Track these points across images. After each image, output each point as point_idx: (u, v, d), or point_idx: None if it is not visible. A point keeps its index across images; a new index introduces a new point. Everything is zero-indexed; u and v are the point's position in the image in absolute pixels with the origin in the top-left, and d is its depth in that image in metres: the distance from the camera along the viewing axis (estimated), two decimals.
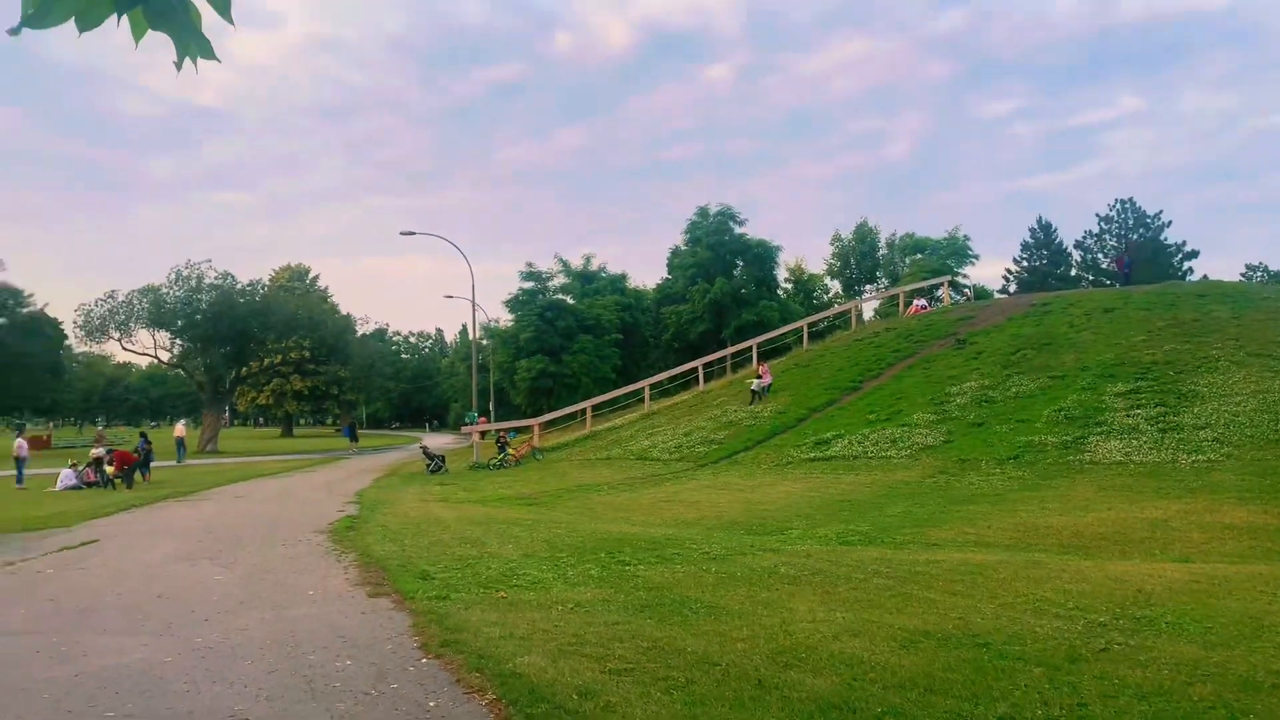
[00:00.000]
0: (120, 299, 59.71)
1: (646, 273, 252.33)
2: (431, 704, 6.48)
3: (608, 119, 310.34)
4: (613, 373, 62.34)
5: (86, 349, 71.19)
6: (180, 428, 49.17)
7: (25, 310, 58.14)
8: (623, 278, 71.52)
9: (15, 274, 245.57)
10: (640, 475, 28.39)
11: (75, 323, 60.70)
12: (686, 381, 46.31)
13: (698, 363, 45.85)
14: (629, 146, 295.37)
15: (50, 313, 64.67)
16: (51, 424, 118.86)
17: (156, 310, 59.04)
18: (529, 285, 66.10)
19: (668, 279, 73.23)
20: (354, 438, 64.19)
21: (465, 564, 12.38)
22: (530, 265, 66.49)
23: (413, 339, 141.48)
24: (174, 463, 42.23)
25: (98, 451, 29.21)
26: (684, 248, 68.64)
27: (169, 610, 9.90)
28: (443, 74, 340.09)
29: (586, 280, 69.39)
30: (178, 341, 62.02)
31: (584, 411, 43.51)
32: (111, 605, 10.27)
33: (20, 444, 29.42)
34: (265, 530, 17.29)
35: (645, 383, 45.43)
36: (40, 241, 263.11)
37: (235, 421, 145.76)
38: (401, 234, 44.37)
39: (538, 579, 11.08)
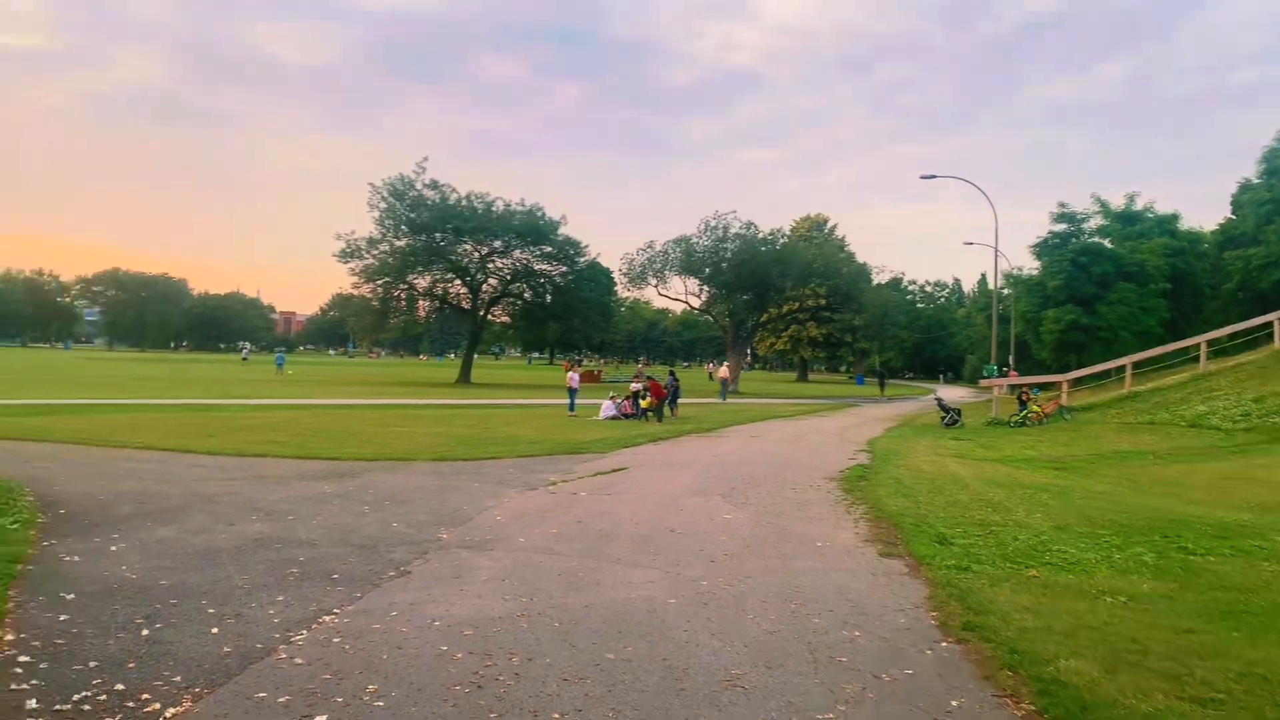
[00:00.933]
0: (657, 249, 65.34)
1: (1202, 214, 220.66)
2: (954, 703, 5.36)
3: (1158, 45, 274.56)
4: (1158, 326, 54.89)
5: (629, 294, 79.29)
6: (724, 369, 52.76)
7: (583, 260, 65.92)
8: (1173, 218, 62.21)
9: (575, 228, 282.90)
10: (1195, 445, 24.23)
11: (620, 271, 67.70)
12: (1255, 339, 39.06)
13: (1271, 316, 38.33)
14: (1183, 74, 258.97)
15: (602, 262, 72.96)
16: (603, 360, 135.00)
17: (687, 259, 63.64)
18: (1060, 228, 60.42)
19: (1232, 219, 62.46)
20: (882, 386, 64.22)
21: (987, 530, 10.93)
22: (1062, 205, 60.77)
23: (928, 288, 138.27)
24: (718, 400, 45.76)
25: (636, 386, 31.82)
26: (1257, 180, 57.82)
27: (678, 546, 9.83)
28: (970, 12, 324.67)
29: (1128, 221, 61.71)
30: (705, 288, 66.36)
31: (1122, 369, 38.60)
32: (628, 534, 10.49)
33: (572, 376, 33.16)
34: (776, 472, 17.19)
35: (1201, 338, 39.01)
36: (596, 199, 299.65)
37: (755, 365, 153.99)
38: (922, 178, 42.55)
39: (1076, 559, 9.34)
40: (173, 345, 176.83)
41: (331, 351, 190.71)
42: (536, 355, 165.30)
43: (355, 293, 62.97)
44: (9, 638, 5.85)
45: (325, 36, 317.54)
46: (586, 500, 13.08)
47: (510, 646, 6.19)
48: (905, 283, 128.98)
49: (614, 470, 16.55)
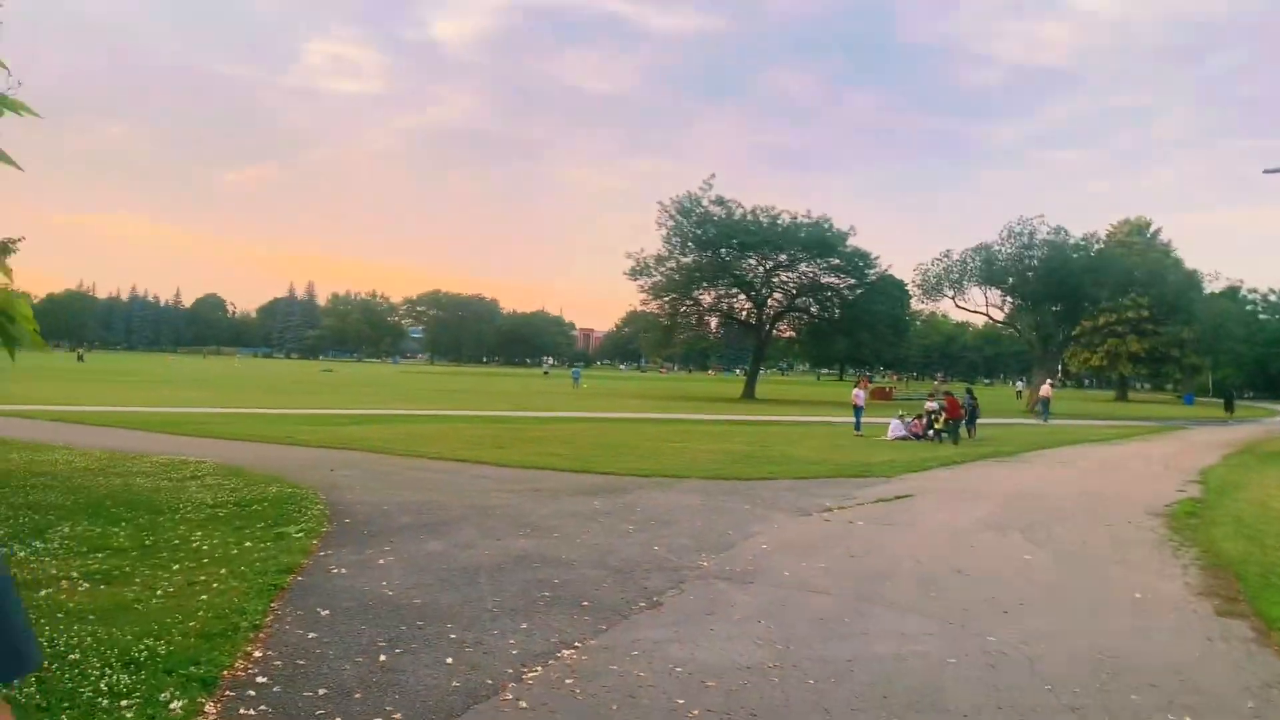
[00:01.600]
0: (954, 258, 61.93)
1: None
2: None
3: None
4: None
5: (924, 307, 75.85)
6: (1045, 387, 48.47)
7: (873, 272, 63.80)
8: None
9: (867, 240, 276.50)
10: None
11: (914, 282, 64.83)
12: None
13: None
14: None
15: (895, 275, 70.28)
16: (897, 376, 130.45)
17: (987, 268, 59.80)
18: None
19: None
20: (1229, 405, 57.40)
21: None
22: None
23: (1272, 297, 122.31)
24: (1038, 421, 42.78)
25: (931, 405, 29.97)
26: None
27: (965, 591, 8.65)
28: None
29: None
30: (1008, 299, 62.11)
31: None
32: (907, 573, 9.41)
33: (858, 393, 31.74)
34: (1087, 505, 15.24)
35: None
36: (890, 210, 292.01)
37: (1066, 383, 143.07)
38: (1265, 172, 37.29)
39: None
40: (485, 360, 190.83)
41: (622, 366, 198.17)
42: (826, 371, 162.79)
43: (644, 309, 64.58)
44: (256, 654, 5.87)
45: (622, 64, 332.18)
46: (863, 531, 12.05)
47: (754, 707, 5.44)
48: (1244, 291, 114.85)
49: (897, 497, 15.32)
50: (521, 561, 9.21)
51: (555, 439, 24.56)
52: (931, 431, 28.66)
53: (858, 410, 31.07)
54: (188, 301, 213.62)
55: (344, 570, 8.50)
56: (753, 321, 65.86)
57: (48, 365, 79.55)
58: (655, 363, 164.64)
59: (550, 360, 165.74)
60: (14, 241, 14.62)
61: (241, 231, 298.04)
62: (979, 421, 31.06)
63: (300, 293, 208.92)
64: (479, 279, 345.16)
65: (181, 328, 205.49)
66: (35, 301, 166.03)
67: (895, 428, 28.54)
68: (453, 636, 6.50)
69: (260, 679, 5.47)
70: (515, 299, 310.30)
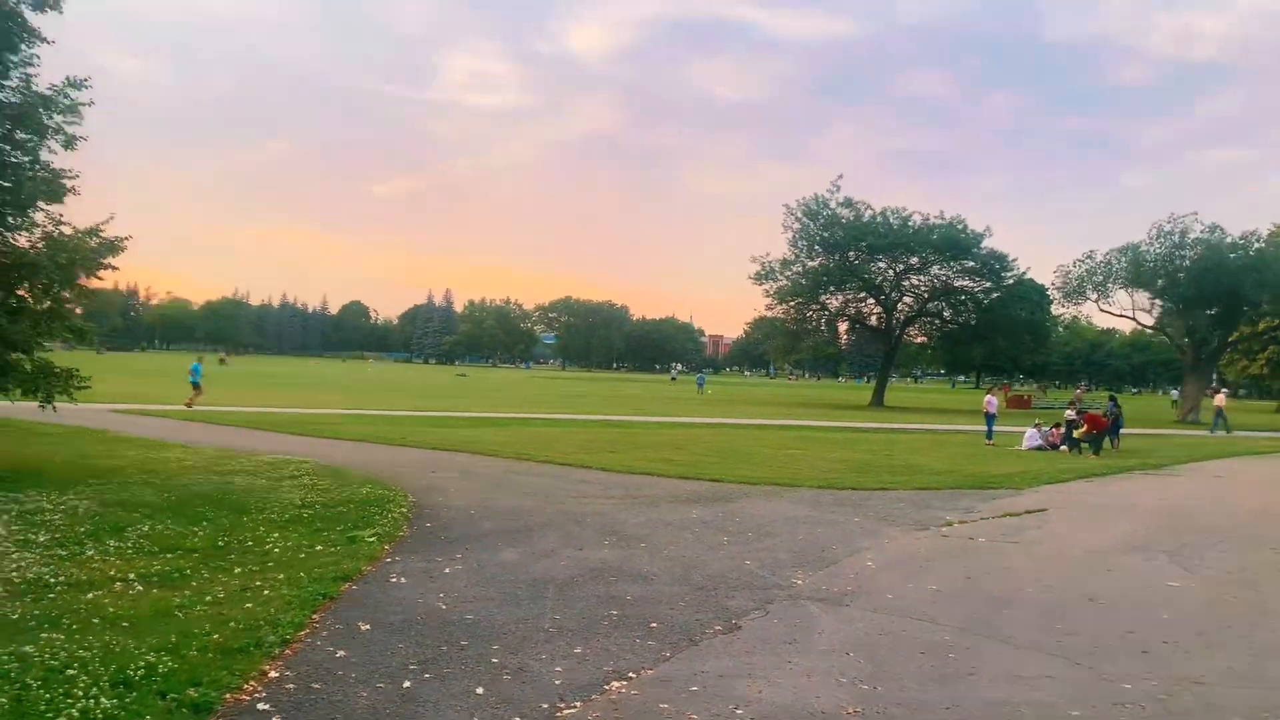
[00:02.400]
0: (1098, 259, 58.23)
1: None
2: None
3: None
4: None
5: (1065, 311, 71.80)
6: (1220, 396, 44.94)
7: (1010, 275, 60.78)
8: None
9: (1005, 242, 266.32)
10: None
11: (1054, 285, 61.32)
12: None
13: None
14: None
15: (1035, 278, 66.81)
16: (1038, 384, 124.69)
17: (1135, 269, 55.93)
18: None
19: None
20: None
21: None
22: None
23: None
24: (1209, 433, 39.41)
25: (1070, 414, 28.01)
26: None
27: (1098, 625, 7.49)
28: None
29: None
30: (1157, 302, 58.08)
31: None
32: (1030, 600, 8.29)
33: (990, 400, 29.92)
34: (1246, 524, 13.59)
35: None
36: (1029, 212, 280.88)
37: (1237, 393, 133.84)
38: None
39: None
40: (615, 366, 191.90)
41: (747, 373, 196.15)
42: (962, 379, 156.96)
43: (769, 314, 63.29)
44: (272, 674, 5.33)
45: (753, 71, 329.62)
46: (984, 549, 10.89)
47: None
48: None
49: (1028, 512, 13.98)
50: (597, 574, 8.51)
51: (669, 444, 23.88)
52: (1071, 441, 26.68)
53: (989, 418, 29.30)
54: (334, 308, 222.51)
55: (404, 580, 7.98)
56: (882, 327, 63.72)
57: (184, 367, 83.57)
58: (784, 369, 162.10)
59: (680, 366, 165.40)
60: (121, 240, 14.87)
61: (386, 241, 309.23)
62: (1122, 431, 28.80)
63: (439, 300, 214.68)
64: (610, 286, 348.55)
65: (328, 333, 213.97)
66: (195, 308, 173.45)
67: (1031, 437, 26.72)
68: (494, 660, 5.84)
69: (262, 705, 4.91)
70: (645, 305, 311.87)
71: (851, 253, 59.45)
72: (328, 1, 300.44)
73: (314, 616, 6.62)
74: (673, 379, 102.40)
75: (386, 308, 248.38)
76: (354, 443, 21.42)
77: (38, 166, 14.48)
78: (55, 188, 14.53)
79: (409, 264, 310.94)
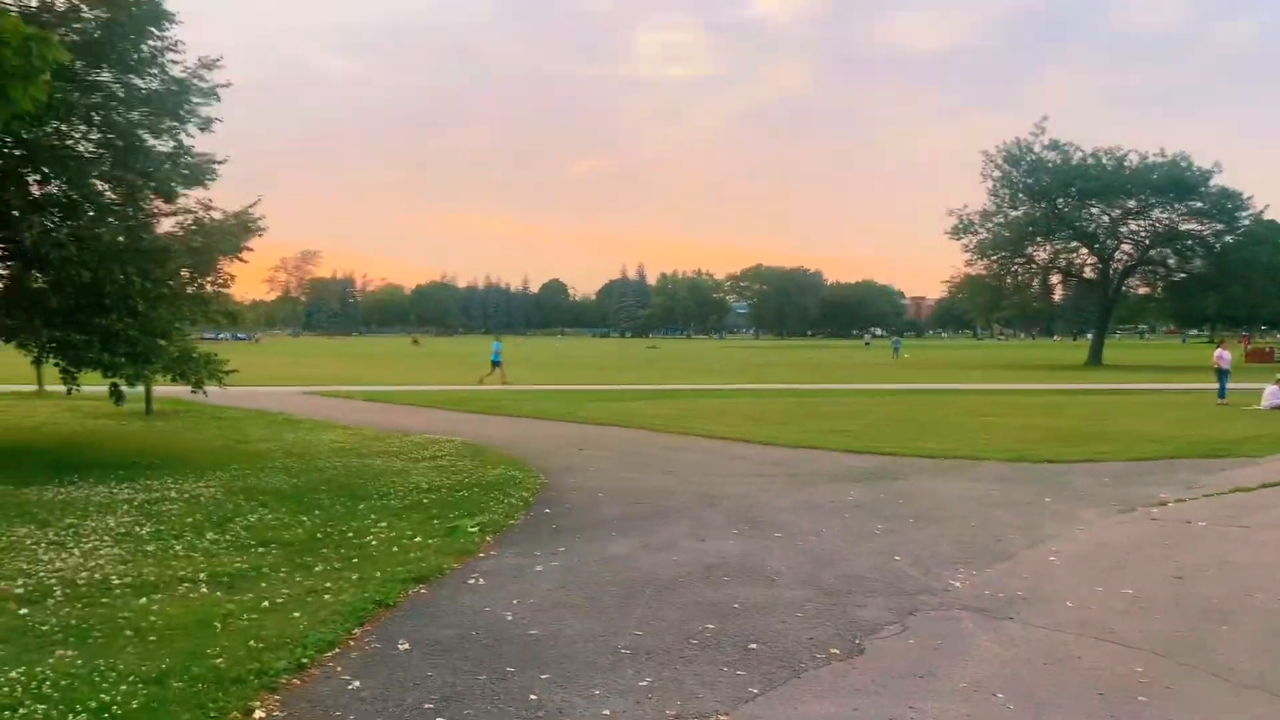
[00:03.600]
0: None
1: None
2: None
3: None
4: None
5: None
6: None
7: (1246, 215, 54.26)
8: None
9: (1238, 178, 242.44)
10: None
11: None
12: None
13: None
14: None
15: (1275, 218, 59.39)
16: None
17: None
18: None
19: None
20: None
21: None
22: None
23: None
24: None
25: None
26: None
27: None
28: None
29: None
30: None
31: None
32: (1260, 612, 6.42)
33: (1221, 354, 26.27)
34: None
35: None
36: (1263, 148, 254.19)
37: None
38: None
39: None
40: (809, 333, 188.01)
41: (943, 335, 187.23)
42: (1194, 333, 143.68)
43: (969, 271, 59.43)
44: (257, 714, 4.43)
45: (953, 18, 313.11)
46: (1203, 536, 8.90)
47: None
48: None
49: (1264, 486, 11.63)
50: (710, 574, 7.29)
51: (846, 414, 22.21)
52: None
53: (1221, 374, 25.80)
54: (534, 287, 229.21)
55: (482, 581, 7.03)
56: (1098, 278, 58.55)
57: (387, 349, 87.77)
58: (991, 330, 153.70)
59: (878, 331, 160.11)
60: (256, 220, 14.78)
61: (581, 219, 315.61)
62: None
63: (632, 274, 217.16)
64: (804, 252, 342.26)
65: (529, 311, 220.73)
66: (407, 293, 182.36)
67: (1272, 395, 23.18)
68: (533, 697, 4.71)
69: None
70: (841, 270, 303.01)
71: (1060, 199, 54.89)
72: None
73: (356, 631, 5.73)
74: (866, 344, 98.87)
75: (584, 284, 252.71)
76: (518, 419, 21.04)
77: (181, 152, 14.55)
78: (198, 171, 14.56)
79: (604, 240, 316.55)
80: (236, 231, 14.09)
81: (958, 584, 7.07)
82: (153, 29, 13.87)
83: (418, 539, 8.44)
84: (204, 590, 6.77)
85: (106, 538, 8.44)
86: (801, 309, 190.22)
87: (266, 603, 6.39)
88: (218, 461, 13.60)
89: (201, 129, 14.55)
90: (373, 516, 9.55)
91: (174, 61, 14.25)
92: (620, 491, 11.16)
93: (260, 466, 13.09)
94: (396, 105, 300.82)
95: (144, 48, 13.90)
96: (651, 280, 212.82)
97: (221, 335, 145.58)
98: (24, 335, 12.66)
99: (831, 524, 9.29)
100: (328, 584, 6.89)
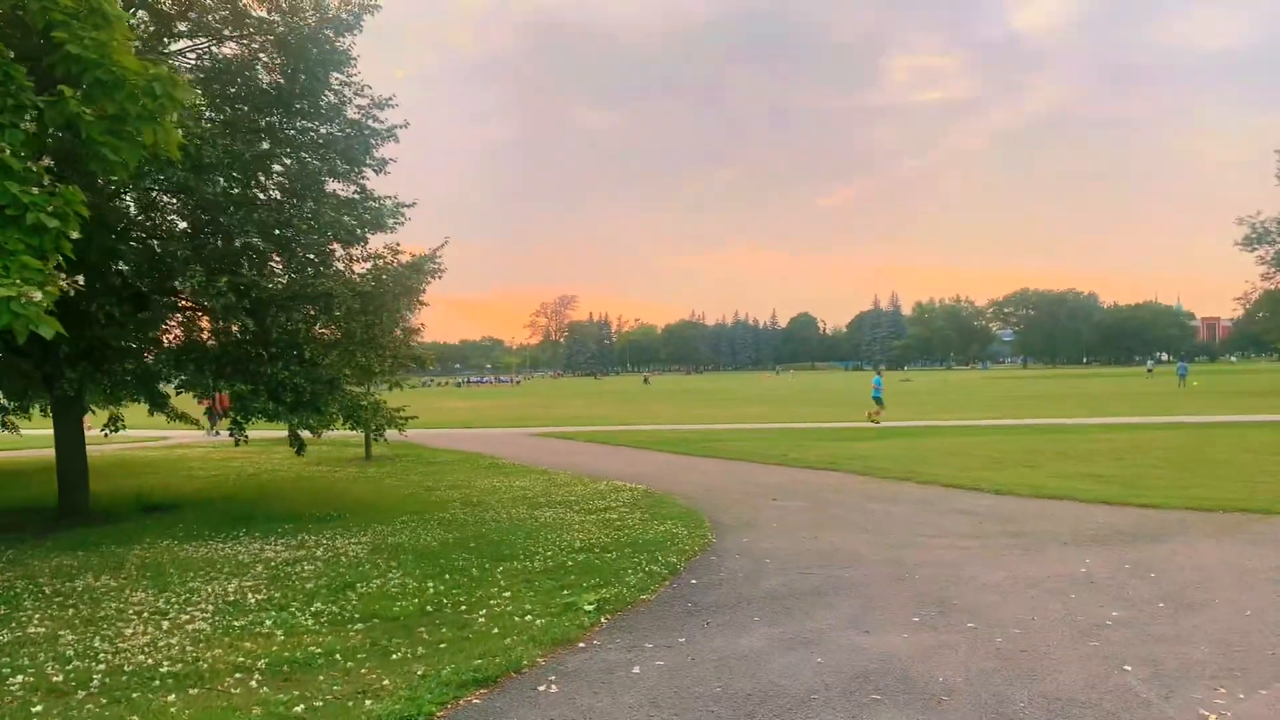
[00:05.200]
0: None
1: None
2: None
3: None
4: None
5: None
6: None
7: None
8: None
9: None
10: None
11: None
12: None
13: None
14: None
15: None
16: None
17: None
18: None
19: None
20: None
21: None
22: None
23: None
24: None
25: None
26: None
27: None
28: None
29: None
30: None
31: None
32: None
33: None
34: None
35: None
36: None
37: None
38: None
39: None
40: (1085, 360, 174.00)
41: (1232, 359, 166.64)
42: None
43: (1267, 285, 52.04)
44: None
45: (1238, 14, 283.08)
46: None
47: None
48: None
49: None
50: (856, 688, 5.52)
51: (1109, 454, 19.13)
52: None
53: None
54: (783, 321, 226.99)
55: (554, 688, 5.61)
56: None
57: (621, 388, 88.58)
58: None
59: (1163, 356, 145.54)
60: (431, 263, 14.31)
61: (832, 250, 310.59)
62: None
63: (885, 304, 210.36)
64: (1074, 273, 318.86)
65: (778, 346, 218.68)
66: (659, 332, 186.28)
67: None
68: None
69: None
70: (1117, 291, 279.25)
71: None
72: (763, 26, 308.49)
73: None
74: (1148, 371, 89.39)
75: (835, 317, 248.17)
76: (728, 462, 19.67)
77: (365, 197, 14.37)
78: (379, 216, 14.30)
79: (857, 271, 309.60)
80: (410, 276, 13.61)
81: (1211, 716, 4.94)
82: (335, 74, 13.83)
83: (529, 616, 7.22)
84: (253, 683, 5.84)
85: (209, 608, 7.81)
86: (1074, 334, 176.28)
87: (301, 707, 5.34)
88: (391, 512, 13.13)
89: (376, 171, 14.32)
90: (503, 583, 8.46)
91: (356, 105, 14.14)
92: (793, 556, 9.46)
93: (428, 518, 12.45)
94: (650, 150, 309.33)
95: (327, 94, 13.86)
96: (907, 310, 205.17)
97: (486, 379, 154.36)
98: (198, 388, 12.68)
99: (1049, 609, 7.19)
100: (385, 681, 5.76)
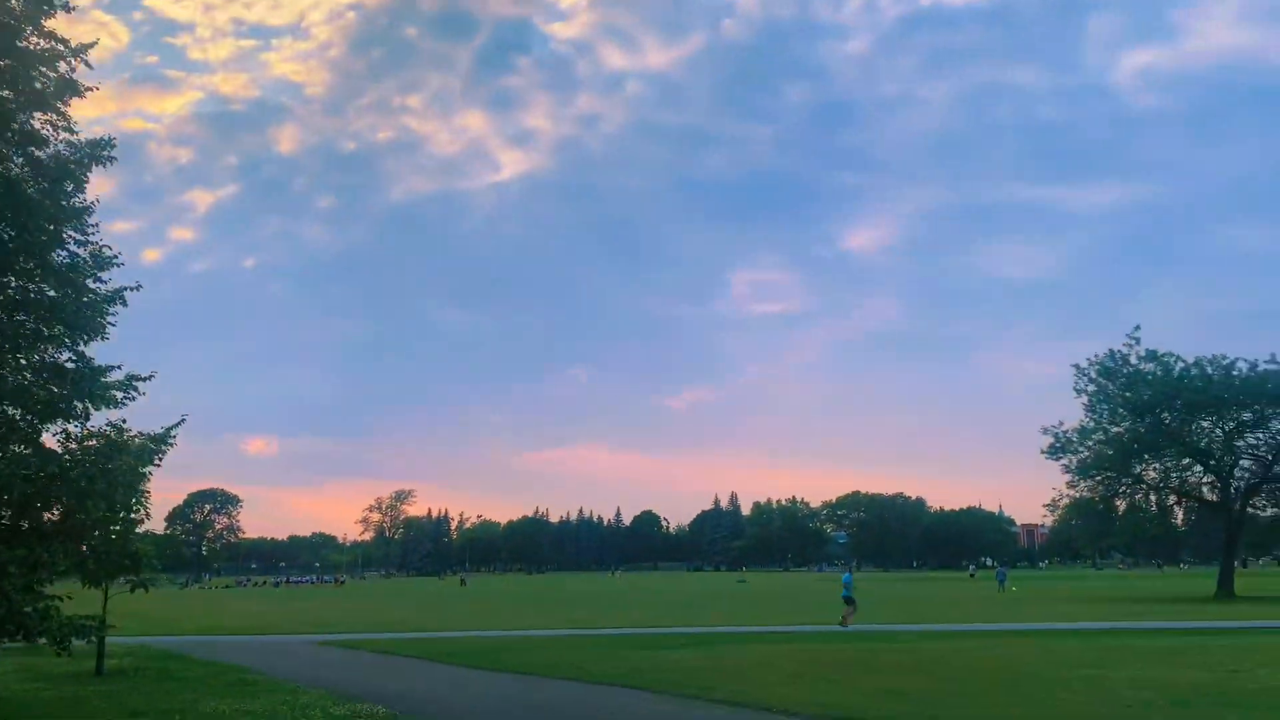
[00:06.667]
0: None
1: None
2: None
3: None
4: None
5: None
6: None
7: None
8: None
9: None
10: None
11: None
12: None
13: None
14: None
15: None
16: None
17: None
18: None
19: None
20: None
21: None
22: None
23: None
24: None
25: None
26: None
27: None
28: None
29: None
30: None
31: None
32: None
33: None
34: None
35: None
36: None
37: None
38: None
39: None
40: (914, 564, 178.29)
41: (1044, 565, 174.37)
42: None
43: (1072, 494, 54.24)
44: None
45: (1046, 249, 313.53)
46: None
47: None
48: None
49: None
50: None
51: (915, 667, 18.25)
52: None
53: None
54: (627, 519, 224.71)
55: None
56: (1218, 499, 52.74)
57: (436, 590, 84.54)
58: (1113, 560, 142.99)
59: (987, 561, 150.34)
60: (172, 432, 12.57)
61: (679, 450, 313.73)
62: None
63: (725, 503, 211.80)
64: (903, 479, 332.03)
65: (622, 544, 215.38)
66: (501, 529, 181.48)
67: None
68: None
69: None
70: (944, 496, 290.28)
71: (1164, 413, 50.40)
72: (619, 240, 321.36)
73: None
74: (971, 575, 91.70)
75: (679, 515, 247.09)
76: (505, 675, 17.78)
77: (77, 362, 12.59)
78: (94, 387, 12.47)
79: (701, 472, 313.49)
80: (106, 456, 11.70)
81: None
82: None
83: None
84: None
85: None
86: (903, 538, 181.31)
87: None
88: None
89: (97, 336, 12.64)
90: None
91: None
92: None
93: None
94: (501, 350, 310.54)
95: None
96: (746, 509, 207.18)
97: (307, 579, 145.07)
98: None
99: None
100: None
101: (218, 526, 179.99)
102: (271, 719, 12.59)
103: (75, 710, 14.23)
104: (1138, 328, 51.81)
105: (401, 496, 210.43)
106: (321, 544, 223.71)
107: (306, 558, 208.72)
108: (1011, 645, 22.64)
